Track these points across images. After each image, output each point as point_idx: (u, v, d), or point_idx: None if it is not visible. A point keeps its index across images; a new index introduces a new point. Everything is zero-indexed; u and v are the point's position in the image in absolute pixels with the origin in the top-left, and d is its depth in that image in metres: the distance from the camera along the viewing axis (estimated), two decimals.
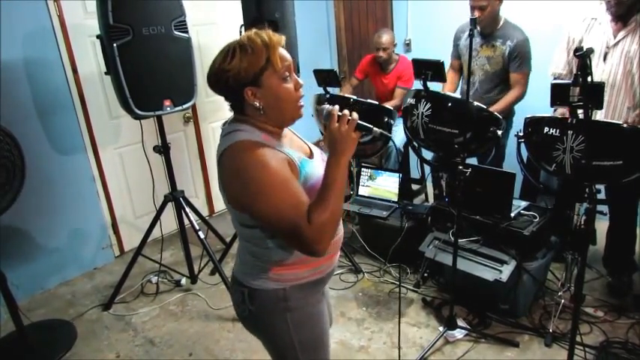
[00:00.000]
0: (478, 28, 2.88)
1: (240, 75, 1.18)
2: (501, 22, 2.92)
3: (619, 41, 2.33)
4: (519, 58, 2.86)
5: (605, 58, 2.37)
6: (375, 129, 1.26)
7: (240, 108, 1.26)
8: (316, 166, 1.29)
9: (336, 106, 1.22)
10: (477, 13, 2.76)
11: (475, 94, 3.04)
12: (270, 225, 1.20)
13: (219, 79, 1.21)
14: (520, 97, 2.93)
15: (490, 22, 2.87)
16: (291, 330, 1.34)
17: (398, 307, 2.54)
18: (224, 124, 1.31)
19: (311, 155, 1.36)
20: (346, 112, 1.19)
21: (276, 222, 1.17)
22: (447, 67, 2.62)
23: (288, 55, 1.24)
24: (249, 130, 1.23)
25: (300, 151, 1.32)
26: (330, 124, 1.19)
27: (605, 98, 2.38)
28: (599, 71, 2.36)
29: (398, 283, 2.93)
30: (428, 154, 2.58)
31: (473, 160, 2.77)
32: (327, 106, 1.23)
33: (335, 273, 3.06)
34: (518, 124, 2.20)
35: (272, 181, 1.15)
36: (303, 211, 1.14)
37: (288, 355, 1.39)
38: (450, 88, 3.16)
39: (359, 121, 1.20)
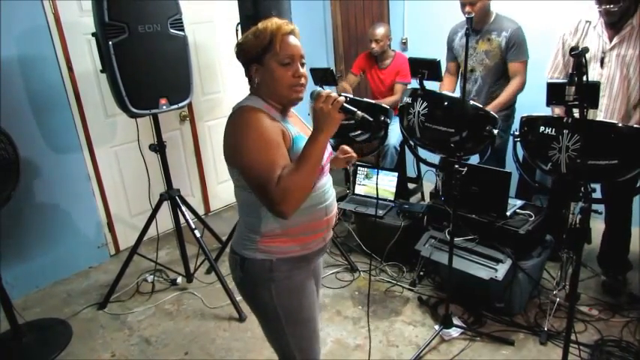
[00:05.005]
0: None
1: (247, 51, 1.37)
2: (493, 17, 2.96)
3: (615, 46, 2.32)
4: (516, 47, 2.88)
5: (602, 63, 2.36)
6: (358, 112, 1.35)
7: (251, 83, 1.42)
8: None
9: (326, 89, 1.33)
10: (467, 9, 2.79)
11: (479, 90, 3.05)
12: (246, 177, 1.32)
13: (236, 53, 1.41)
14: (521, 87, 2.95)
15: (481, 17, 2.89)
16: (274, 299, 1.44)
17: (393, 306, 2.54)
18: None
19: None
20: (333, 93, 1.29)
21: (250, 176, 1.30)
22: (442, 70, 2.62)
23: (297, 46, 1.36)
24: (254, 100, 1.39)
25: (301, 131, 1.43)
26: (316, 103, 1.29)
27: (604, 102, 2.39)
28: (597, 75, 2.36)
29: (394, 282, 2.93)
30: (426, 154, 2.58)
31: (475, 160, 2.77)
32: (317, 88, 1.36)
33: (331, 272, 3.11)
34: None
35: (257, 138, 1.28)
36: (276, 172, 1.26)
37: (273, 326, 1.50)
38: (447, 90, 3.16)
39: (344, 104, 1.29)
